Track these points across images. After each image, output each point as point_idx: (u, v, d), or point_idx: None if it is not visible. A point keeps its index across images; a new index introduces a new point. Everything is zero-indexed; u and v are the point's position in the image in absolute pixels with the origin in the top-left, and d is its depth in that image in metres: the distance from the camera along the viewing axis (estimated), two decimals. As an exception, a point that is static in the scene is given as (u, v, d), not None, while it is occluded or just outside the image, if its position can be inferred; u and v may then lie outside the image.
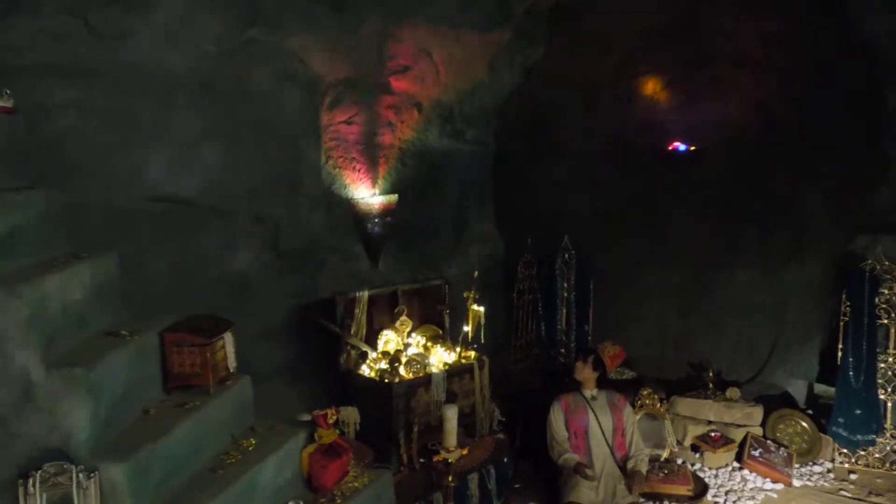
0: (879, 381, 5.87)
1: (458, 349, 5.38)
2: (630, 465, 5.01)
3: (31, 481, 2.68)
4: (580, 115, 7.30)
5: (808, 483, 5.79)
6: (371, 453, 4.47)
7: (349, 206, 5.70)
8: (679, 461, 5.99)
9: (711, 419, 6.34)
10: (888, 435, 5.91)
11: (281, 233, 5.14)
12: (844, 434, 5.92)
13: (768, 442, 6.07)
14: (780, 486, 5.70)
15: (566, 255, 7.05)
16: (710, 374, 6.59)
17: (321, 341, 5.14)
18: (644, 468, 5.08)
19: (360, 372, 5.06)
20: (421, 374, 4.98)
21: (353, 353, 5.11)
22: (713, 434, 6.18)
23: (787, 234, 7.00)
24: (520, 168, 7.27)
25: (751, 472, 5.89)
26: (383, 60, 5.53)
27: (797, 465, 5.98)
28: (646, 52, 7.18)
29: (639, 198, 7.45)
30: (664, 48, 7.10)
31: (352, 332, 5.11)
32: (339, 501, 3.66)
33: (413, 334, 5.50)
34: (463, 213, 6.81)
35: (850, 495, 5.56)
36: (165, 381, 3.55)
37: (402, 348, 5.30)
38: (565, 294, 7.08)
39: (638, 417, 5.77)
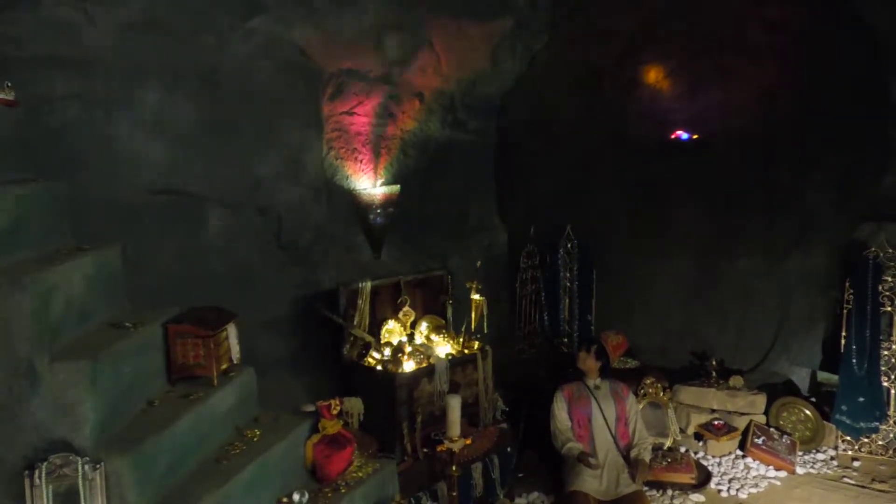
0: (883, 368, 5.88)
1: (460, 339, 5.38)
2: (633, 453, 5.03)
3: (36, 473, 2.70)
4: (583, 104, 7.27)
5: (812, 471, 5.81)
6: (375, 443, 4.50)
7: (351, 197, 5.70)
8: (682, 449, 6.01)
9: (715, 407, 6.36)
10: (891, 422, 5.92)
11: (283, 224, 5.14)
12: (848, 421, 5.93)
13: (771, 430, 6.09)
14: (783, 474, 5.72)
15: (569, 245, 7.04)
16: (713, 362, 6.61)
17: (324, 332, 5.15)
18: (647, 457, 5.10)
19: (364, 362, 5.07)
20: (424, 365, 4.99)
21: (356, 343, 5.12)
22: (716, 422, 6.19)
23: (790, 222, 6.99)
24: (522, 158, 7.25)
25: (754, 459, 5.90)
26: (385, 51, 5.51)
27: (800, 453, 5.99)
28: (649, 40, 7.14)
29: (642, 187, 7.43)
30: (667, 36, 7.07)
31: (355, 322, 5.11)
32: (343, 491, 3.67)
33: (416, 325, 5.51)
34: (465, 204, 6.79)
35: (853, 482, 5.58)
36: (169, 373, 3.56)
37: (406, 339, 5.31)
38: (568, 284, 7.08)
39: (641, 406, 5.79)
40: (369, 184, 5.77)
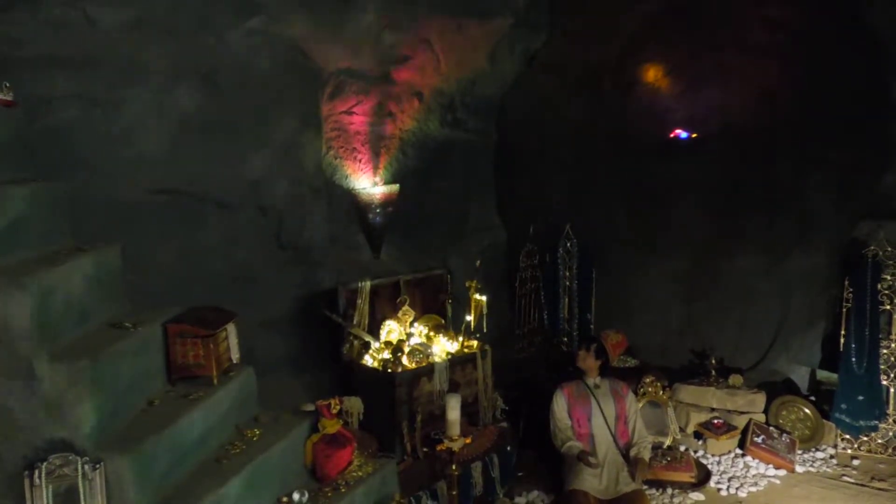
0: (882, 366, 5.87)
1: (460, 338, 5.39)
2: (633, 452, 5.03)
3: (36, 473, 2.71)
4: (582, 103, 7.27)
5: (811, 469, 5.80)
6: (375, 443, 4.50)
7: (351, 197, 5.70)
8: (682, 448, 6.01)
9: (714, 406, 6.35)
10: (891, 420, 5.92)
11: (283, 224, 5.15)
12: (847, 420, 5.93)
13: (771, 428, 6.08)
14: (782, 473, 5.72)
15: (568, 244, 7.05)
16: (713, 361, 6.60)
17: (324, 332, 5.16)
18: (647, 455, 5.10)
19: (363, 362, 5.08)
20: (423, 364, 5.00)
21: (355, 343, 5.13)
22: (716, 421, 6.19)
23: (790, 221, 6.98)
24: (521, 157, 7.25)
25: (753, 458, 5.90)
26: (384, 50, 5.51)
27: (800, 452, 5.99)
28: (648, 39, 7.14)
29: (641, 186, 7.42)
30: (666, 35, 7.06)
31: (354, 322, 5.12)
32: (343, 490, 3.68)
33: (415, 324, 5.51)
34: (465, 203, 6.80)
35: (852, 481, 5.58)
36: (169, 373, 3.57)
37: (405, 338, 5.31)
38: (567, 283, 7.09)
39: (641, 405, 5.79)
40: (368, 183, 5.78)
